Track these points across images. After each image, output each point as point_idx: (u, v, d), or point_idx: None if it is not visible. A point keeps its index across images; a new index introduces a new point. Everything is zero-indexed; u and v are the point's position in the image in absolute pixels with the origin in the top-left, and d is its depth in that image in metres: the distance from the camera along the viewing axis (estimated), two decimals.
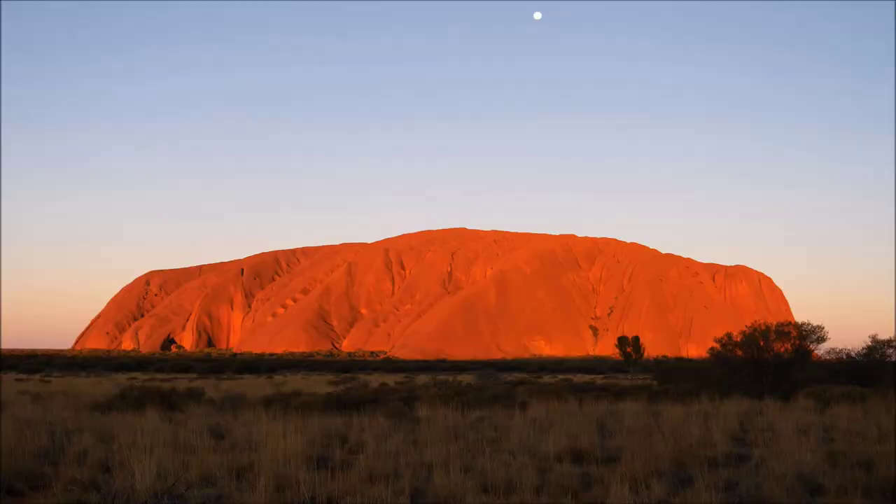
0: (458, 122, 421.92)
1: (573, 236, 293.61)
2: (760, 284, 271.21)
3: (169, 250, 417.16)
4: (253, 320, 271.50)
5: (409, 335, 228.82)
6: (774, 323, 28.68)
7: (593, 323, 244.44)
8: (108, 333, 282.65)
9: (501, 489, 9.54)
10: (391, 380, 48.51)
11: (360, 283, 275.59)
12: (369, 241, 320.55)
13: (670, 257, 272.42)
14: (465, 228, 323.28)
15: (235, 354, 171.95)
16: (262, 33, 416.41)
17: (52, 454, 12.02)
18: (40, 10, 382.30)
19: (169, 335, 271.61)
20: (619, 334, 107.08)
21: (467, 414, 18.66)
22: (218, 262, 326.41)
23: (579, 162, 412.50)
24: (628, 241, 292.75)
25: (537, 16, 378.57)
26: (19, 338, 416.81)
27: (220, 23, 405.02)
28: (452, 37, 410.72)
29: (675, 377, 35.63)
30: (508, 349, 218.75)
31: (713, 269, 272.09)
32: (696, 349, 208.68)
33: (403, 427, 16.01)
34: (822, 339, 28.34)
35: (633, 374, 69.06)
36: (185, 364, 78.72)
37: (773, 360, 26.94)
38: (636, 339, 77.74)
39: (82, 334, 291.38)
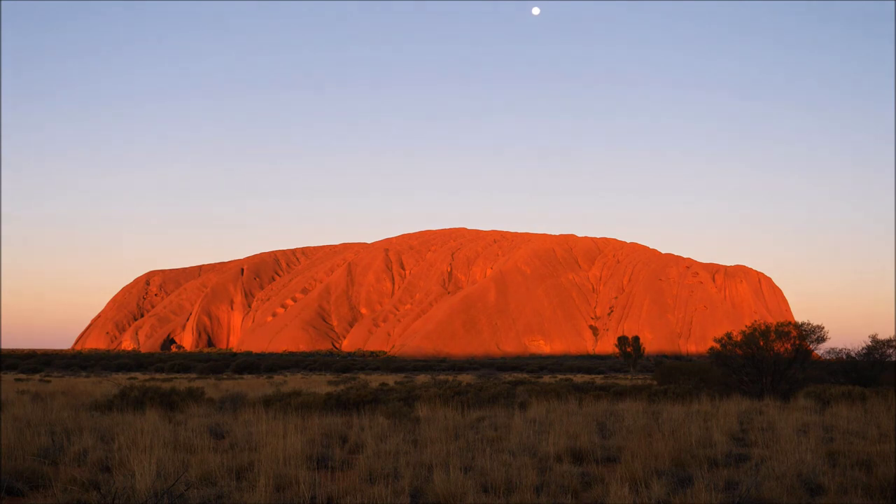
0: (458, 120, 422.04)
1: (573, 236, 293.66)
2: (760, 284, 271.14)
3: (169, 250, 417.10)
4: (253, 320, 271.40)
5: (409, 335, 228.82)
6: (774, 323, 28.69)
7: (593, 323, 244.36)
8: (108, 333, 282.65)
9: (501, 489, 9.55)
10: (391, 380, 48.49)
11: (360, 283, 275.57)
12: (369, 241, 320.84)
13: (670, 257, 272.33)
14: (465, 228, 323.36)
15: (235, 354, 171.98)
16: (262, 33, 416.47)
17: (52, 454, 12.02)
18: (41, 9, 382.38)
19: (169, 335, 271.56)
20: (619, 334, 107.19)
21: (467, 414, 18.67)
22: (218, 261, 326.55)
23: (579, 161, 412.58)
24: (628, 240, 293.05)
25: (536, 11, 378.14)
26: (19, 338, 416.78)
27: (220, 22, 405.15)
28: (451, 34, 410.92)
29: (675, 377, 35.62)
30: (508, 349, 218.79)
31: (713, 269, 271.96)
32: (696, 349, 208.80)
33: (403, 427, 16.01)
34: (822, 339, 28.38)
35: (632, 373, 69.08)
36: (184, 364, 78.65)
37: (773, 360, 26.95)
38: (636, 338, 77.78)
39: (82, 334, 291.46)
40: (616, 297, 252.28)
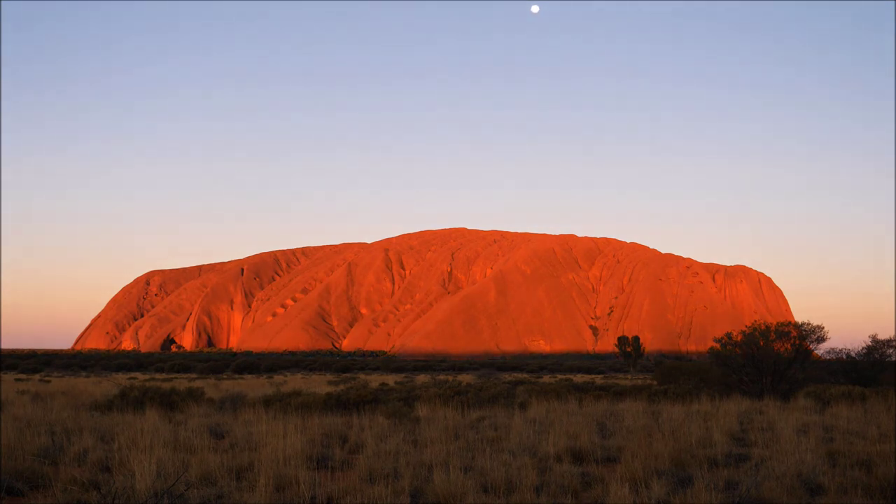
0: (458, 120, 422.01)
1: (573, 236, 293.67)
2: (760, 284, 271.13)
3: (169, 250, 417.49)
4: (253, 320, 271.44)
5: (409, 335, 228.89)
6: (774, 323, 28.67)
7: (593, 323, 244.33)
8: (108, 333, 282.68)
9: (501, 489, 9.54)
10: (391, 380, 48.48)
11: (360, 283, 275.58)
12: (369, 241, 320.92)
13: (670, 257, 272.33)
14: (465, 228, 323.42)
15: (235, 354, 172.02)
16: (262, 31, 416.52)
17: (52, 454, 12.02)
18: (41, 9, 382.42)
19: (169, 335, 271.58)
20: (619, 334, 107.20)
21: (467, 414, 18.67)
22: (218, 262, 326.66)
23: (579, 161, 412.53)
24: (628, 241, 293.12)
25: (535, 10, 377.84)
26: (19, 338, 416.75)
27: (221, 23, 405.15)
28: (450, 33, 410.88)
29: (675, 377, 35.60)
30: (508, 348, 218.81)
31: (713, 269, 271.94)
32: (696, 349, 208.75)
33: (403, 427, 16.00)
34: (822, 339, 28.35)
35: (632, 373, 69.08)
36: (184, 364, 78.63)
37: (773, 360, 26.94)
38: (636, 338, 77.79)
39: (82, 334, 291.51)
40: (616, 297, 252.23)
